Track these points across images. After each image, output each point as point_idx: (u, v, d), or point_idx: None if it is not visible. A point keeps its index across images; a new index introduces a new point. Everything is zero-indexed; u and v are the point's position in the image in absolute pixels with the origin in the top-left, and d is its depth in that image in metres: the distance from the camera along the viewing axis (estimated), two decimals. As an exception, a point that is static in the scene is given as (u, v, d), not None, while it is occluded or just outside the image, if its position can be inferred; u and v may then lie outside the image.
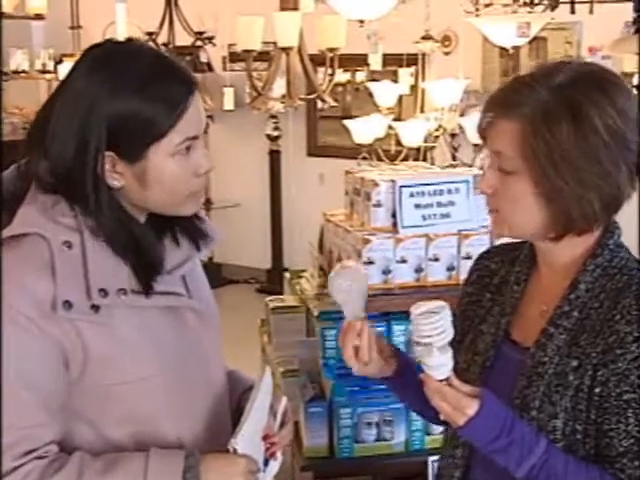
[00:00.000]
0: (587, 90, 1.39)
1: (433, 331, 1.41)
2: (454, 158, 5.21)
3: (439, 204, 2.57)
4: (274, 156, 7.59)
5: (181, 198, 1.49)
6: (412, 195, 2.55)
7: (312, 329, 2.75)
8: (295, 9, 4.19)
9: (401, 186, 2.54)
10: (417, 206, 2.55)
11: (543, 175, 1.39)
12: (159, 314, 1.49)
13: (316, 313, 2.59)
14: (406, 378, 1.65)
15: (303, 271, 3.09)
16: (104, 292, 1.39)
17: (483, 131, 1.48)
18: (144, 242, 1.47)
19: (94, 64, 1.43)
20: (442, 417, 1.45)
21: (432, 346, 1.41)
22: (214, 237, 1.63)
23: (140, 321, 1.45)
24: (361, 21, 3.85)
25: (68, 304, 1.36)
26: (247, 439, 1.49)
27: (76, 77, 1.44)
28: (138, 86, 1.40)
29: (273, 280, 7.43)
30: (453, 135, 5.16)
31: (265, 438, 1.59)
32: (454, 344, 1.56)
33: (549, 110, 1.38)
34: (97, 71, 1.42)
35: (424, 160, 4.74)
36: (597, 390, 1.40)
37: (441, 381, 1.42)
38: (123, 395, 1.45)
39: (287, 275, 3.19)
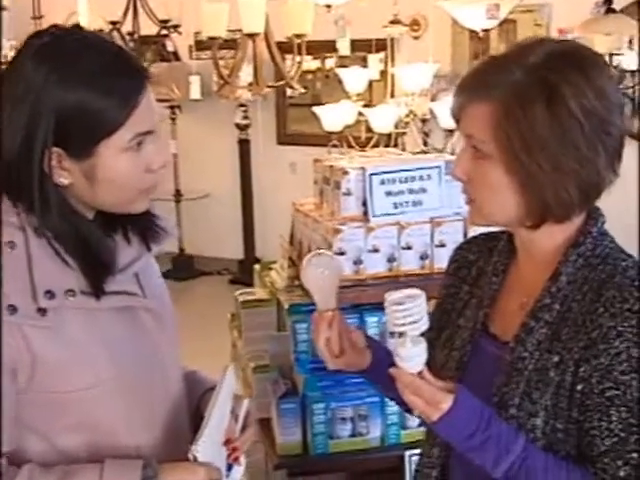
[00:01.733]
0: (562, 69, 1.31)
1: (406, 319, 1.34)
2: (425, 144, 5.15)
3: (410, 191, 2.50)
4: (244, 145, 7.50)
5: (132, 195, 1.40)
6: (383, 182, 2.47)
7: (283, 323, 2.67)
8: (260, -6, 4.11)
9: (371, 174, 2.46)
10: (388, 194, 2.48)
11: (516, 160, 1.32)
12: (112, 315, 1.40)
13: (287, 306, 2.51)
14: (382, 370, 1.55)
15: (273, 263, 3.01)
16: (50, 294, 1.30)
17: (455, 114, 1.41)
18: (93, 240, 1.38)
19: (40, 53, 1.34)
20: (415, 413, 1.38)
21: (405, 336, 1.34)
22: (166, 233, 1.54)
23: (91, 323, 1.37)
24: (328, 6, 3.78)
25: (12, 308, 1.28)
26: (208, 445, 1.41)
27: (21, 67, 1.34)
28: (88, 79, 1.31)
29: (246, 271, 7.32)
30: (424, 120, 5.10)
31: (227, 443, 1.52)
32: (431, 340, 1.49)
33: (522, 91, 1.31)
34: (44, 61, 1.32)
35: (395, 146, 4.68)
36: (579, 387, 1.32)
37: (412, 375, 1.34)
38: (75, 402, 1.36)
39: (257, 267, 3.11)
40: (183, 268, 7.53)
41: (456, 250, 1.67)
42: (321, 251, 1.69)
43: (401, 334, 1.35)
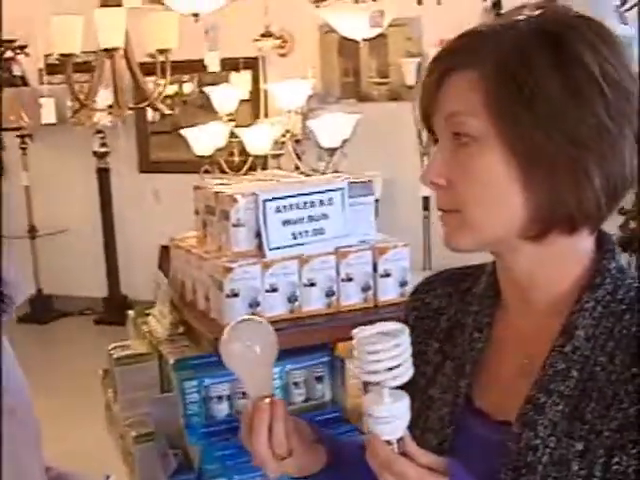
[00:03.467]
0: (574, 25, 1.00)
1: (381, 364, 0.96)
2: (297, 167, 4.88)
3: (310, 218, 2.15)
4: (103, 175, 7.01)
5: None
6: (279, 210, 2.12)
7: (168, 381, 2.26)
8: (118, 5, 3.71)
9: (265, 200, 2.10)
10: (285, 223, 2.12)
11: (519, 130, 0.98)
12: None
13: (172, 361, 2.11)
14: (344, 468, 1.17)
15: (150, 307, 2.59)
16: None
17: (427, 100, 1.05)
18: None
19: None
20: None
21: (381, 388, 0.97)
22: (14, 299, 1.13)
23: None
24: (195, 15, 3.41)
25: None
26: None
27: None
28: None
29: (111, 310, 6.87)
30: (297, 141, 4.86)
31: None
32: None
33: (521, 46, 0.98)
34: None
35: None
36: None
37: (390, 443, 0.96)
38: None
39: (131, 313, 2.68)
40: (42, 309, 6.96)
41: (413, 294, 1.29)
42: (247, 317, 1.26)
43: (375, 385, 0.98)
